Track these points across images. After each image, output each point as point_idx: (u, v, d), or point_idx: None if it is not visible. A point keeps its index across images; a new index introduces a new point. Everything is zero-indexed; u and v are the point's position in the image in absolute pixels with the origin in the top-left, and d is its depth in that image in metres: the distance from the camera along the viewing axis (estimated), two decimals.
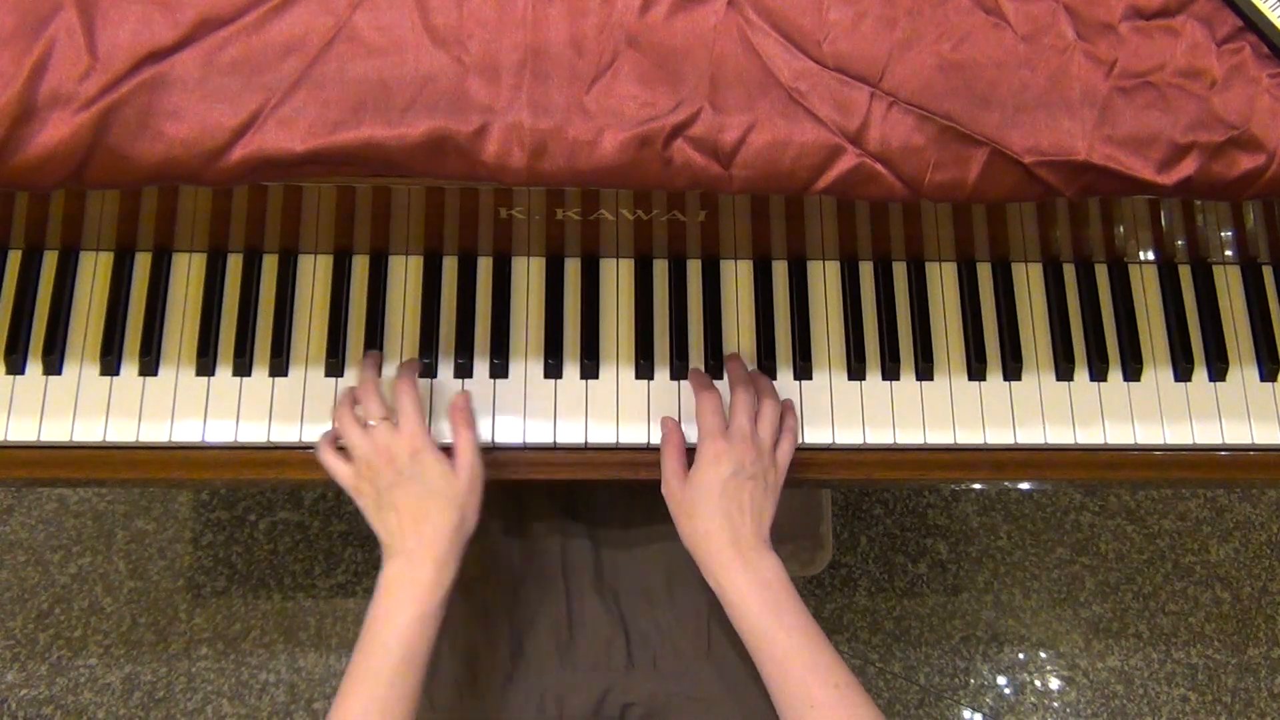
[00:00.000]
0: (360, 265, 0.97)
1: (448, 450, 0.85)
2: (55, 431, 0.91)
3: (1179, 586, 1.72)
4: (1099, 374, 0.97)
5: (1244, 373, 0.98)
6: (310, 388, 0.93)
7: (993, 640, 1.67)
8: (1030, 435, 0.95)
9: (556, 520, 1.03)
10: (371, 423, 0.84)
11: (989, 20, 0.76)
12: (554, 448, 0.94)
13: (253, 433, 0.92)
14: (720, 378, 0.95)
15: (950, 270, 1.00)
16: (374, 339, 0.94)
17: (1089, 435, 0.96)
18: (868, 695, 0.78)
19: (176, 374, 0.93)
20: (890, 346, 0.96)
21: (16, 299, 0.93)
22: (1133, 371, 0.97)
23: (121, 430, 0.91)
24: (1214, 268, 1.01)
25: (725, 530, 0.82)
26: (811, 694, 0.77)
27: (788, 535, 1.66)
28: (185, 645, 1.61)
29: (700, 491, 0.84)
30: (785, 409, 0.92)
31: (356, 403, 0.86)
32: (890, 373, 0.96)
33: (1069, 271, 1.00)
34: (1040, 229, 0.96)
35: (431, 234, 0.94)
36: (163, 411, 0.92)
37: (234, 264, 0.96)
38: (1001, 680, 1.65)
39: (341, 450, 0.86)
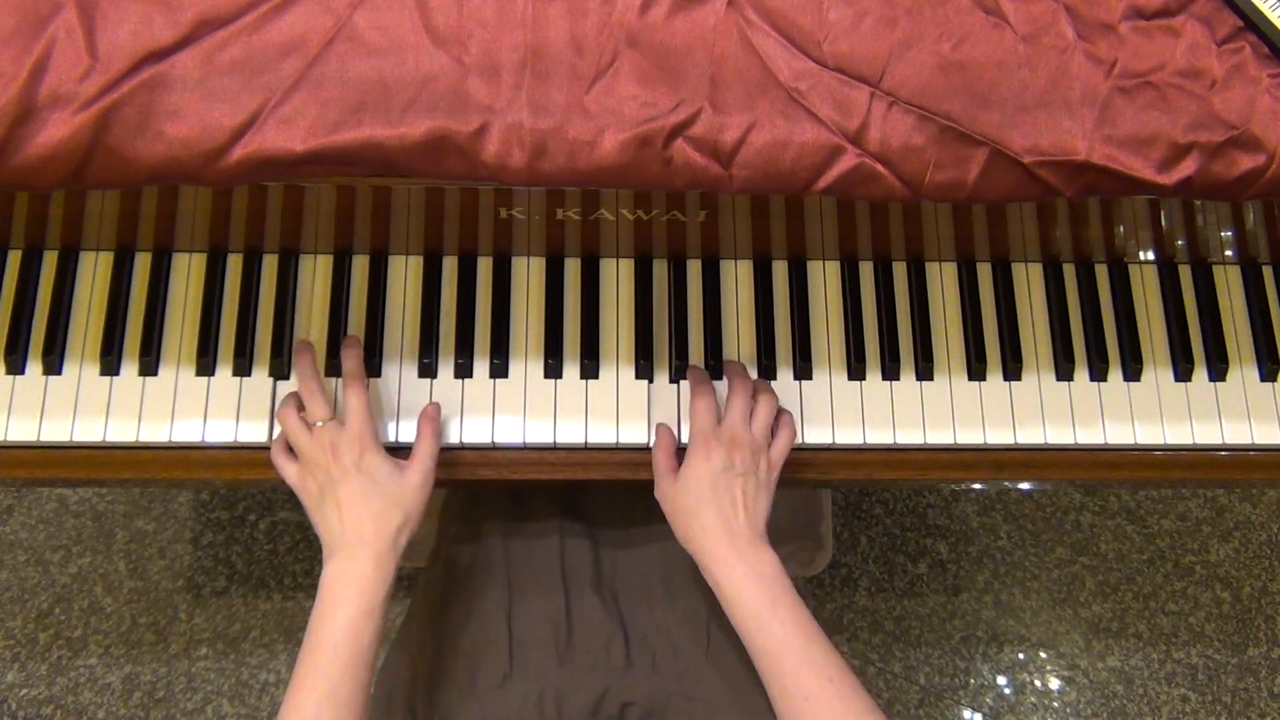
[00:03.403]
0: (360, 265, 0.97)
1: (399, 455, 0.87)
2: (55, 431, 0.91)
3: (1179, 586, 1.72)
4: (1099, 374, 0.97)
5: (1244, 373, 0.98)
6: None
7: (993, 640, 1.67)
8: (1030, 435, 0.95)
9: (556, 520, 1.03)
10: (318, 424, 0.85)
11: (989, 20, 0.76)
12: (554, 448, 0.94)
13: (253, 433, 0.92)
14: (720, 378, 0.95)
15: (950, 270, 1.00)
16: (374, 339, 0.94)
17: (1089, 435, 0.96)
18: (862, 688, 0.78)
19: (176, 374, 0.93)
20: (890, 346, 0.96)
21: (16, 299, 0.93)
22: (1133, 371, 0.97)
23: (121, 430, 0.91)
24: (1214, 268, 1.01)
25: (719, 525, 0.83)
26: (805, 686, 0.78)
27: (788, 535, 1.65)
28: (185, 645, 1.61)
29: (691, 487, 0.85)
30: (782, 413, 0.92)
31: (301, 406, 0.87)
32: (890, 373, 0.96)
33: (1069, 271, 1.00)
34: (1040, 229, 0.96)
35: (431, 234, 0.94)
36: (163, 411, 0.92)
37: (234, 264, 0.96)
38: (1001, 680, 1.65)
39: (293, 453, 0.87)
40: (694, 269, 0.98)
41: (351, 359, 0.90)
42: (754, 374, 0.96)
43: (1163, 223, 0.95)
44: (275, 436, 0.89)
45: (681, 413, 0.94)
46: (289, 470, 0.87)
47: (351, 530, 0.81)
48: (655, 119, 0.72)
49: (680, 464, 0.88)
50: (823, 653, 0.79)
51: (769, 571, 0.82)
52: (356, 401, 0.86)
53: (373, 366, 0.93)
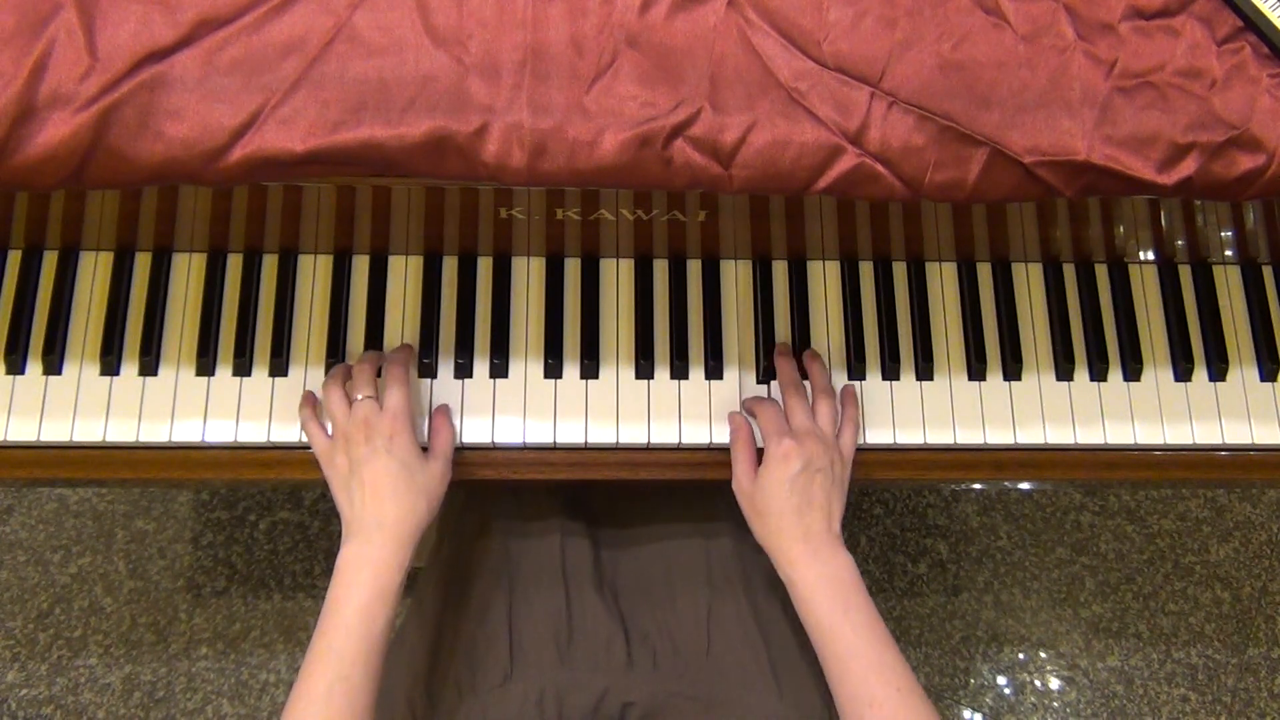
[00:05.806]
0: (360, 265, 0.97)
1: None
2: (55, 431, 0.91)
3: (1179, 586, 1.72)
4: (1099, 374, 0.97)
5: (1244, 373, 0.98)
6: (310, 387, 0.93)
7: (993, 640, 1.67)
8: (1030, 435, 0.95)
9: (556, 520, 1.03)
10: (358, 397, 0.86)
11: (989, 20, 0.76)
12: (554, 448, 0.94)
13: (253, 433, 0.92)
14: (720, 378, 0.95)
15: (950, 270, 1.00)
16: (374, 339, 0.94)
17: (1089, 435, 0.96)
18: (929, 700, 0.79)
19: (176, 374, 0.93)
20: (890, 346, 0.96)
21: (16, 299, 0.93)
22: (1133, 371, 0.97)
23: (121, 430, 0.91)
24: (1214, 268, 1.01)
25: (797, 526, 0.84)
26: (873, 693, 0.78)
27: None
28: (185, 645, 1.61)
29: (771, 490, 0.85)
30: (846, 398, 0.93)
31: (348, 379, 0.88)
32: (890, 373, 0.96)
33: (1069, 271, 1.00)
34: (1040, 229, 0.96)
35: (431, 234, 0.94)
36: (163, 411, 0.92)
37: (234, 264, 0.96)
38: (1001, 680, 1.65)
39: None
40: (694, 269, 0.98)
41: (403, 350, 0.92)
42: (753, 375, 0.96)
43: (1163, 223, 0.95)
44: (310, 405, 0.91)
45: (682, 412, 0.94)
46: (320, 441, 0.87)
47: (372, 512, 0.82)
48: (655, 119, 0.72)
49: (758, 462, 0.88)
50: (893, 660, 0.80)
51: (845, 575, 0.83)
52: (397, 386, 0.86)
53: None
